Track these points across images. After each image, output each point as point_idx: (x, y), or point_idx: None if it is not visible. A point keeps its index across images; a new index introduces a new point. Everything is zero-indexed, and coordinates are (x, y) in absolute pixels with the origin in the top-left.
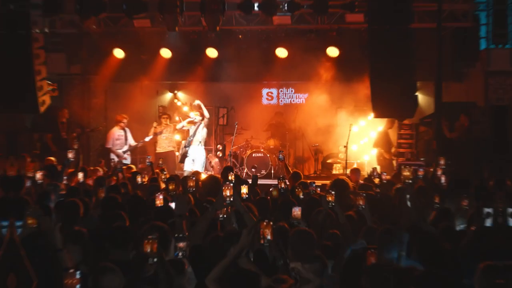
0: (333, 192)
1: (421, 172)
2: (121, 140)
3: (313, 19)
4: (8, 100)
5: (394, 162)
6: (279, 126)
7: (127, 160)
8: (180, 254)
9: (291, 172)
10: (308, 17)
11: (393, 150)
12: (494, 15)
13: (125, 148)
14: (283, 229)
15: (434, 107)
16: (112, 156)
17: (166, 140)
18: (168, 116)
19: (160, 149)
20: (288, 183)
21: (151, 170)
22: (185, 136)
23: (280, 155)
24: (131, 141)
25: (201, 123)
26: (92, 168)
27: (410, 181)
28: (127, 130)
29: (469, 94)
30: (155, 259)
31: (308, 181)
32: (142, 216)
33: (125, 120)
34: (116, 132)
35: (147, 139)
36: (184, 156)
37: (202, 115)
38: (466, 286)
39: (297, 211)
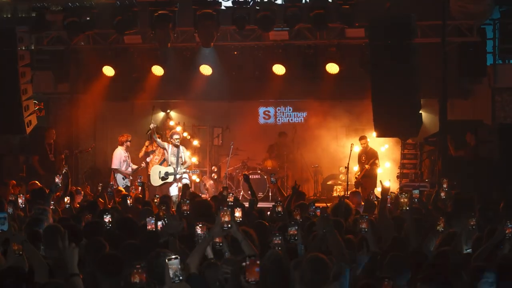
0: (326, 214)
1: (416, 195)
2: (127, 161)
3: (311, 34)
4: None
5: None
6: (279, 146)
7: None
8: (176, 279)
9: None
10: (307, 32)
11: (362, 172)
12: (501, 29)
13: (130, 169)
14: (277, 257)
15: (439, 125)
16: (118, 177)
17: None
18: (159, 136)
19: None
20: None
21: (142, 191)
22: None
23: (272, 178)
24: (131, 164)
25: (179, 146)
26: (74, 188)
27: (408, 209)
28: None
29: (475, 111)
30: None
31: (308, 203)
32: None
33: (129, 140)
34: (122, 152)
35: (148, 159)
36: (167, 182)
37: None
38: None
39: (293, 230)
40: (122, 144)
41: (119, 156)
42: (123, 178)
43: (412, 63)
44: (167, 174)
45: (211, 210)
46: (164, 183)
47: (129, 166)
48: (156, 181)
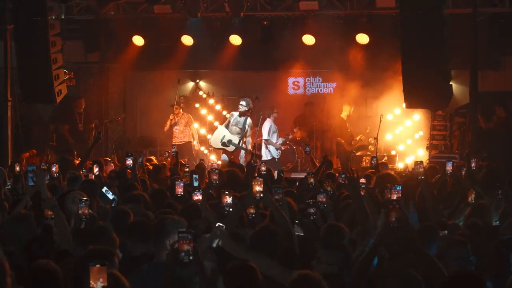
0: (363, 186)
1: (449, 168)
2: (276, 133)
3: (341, 4)
4: (23, 90)
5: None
6: (307, 117)
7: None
8: (186, 258)
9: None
10: (337, 2)
11: (353, 142)
12: None
13: (280, 141)
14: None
15: (470, 96)
16: (271, 148)
17: (181, 134)
18: (178, 107)
19: (176, 139)
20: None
21: (176, 161)
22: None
23: (307, 148)
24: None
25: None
26: (104, 159)
27: (423, 178)
28: None
29: (506, 83)
30: (190, 258)
31: (337, 174)
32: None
33: (275, 111)
34: (272, 124)
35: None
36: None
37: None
38: None
39: (322, 197)
40: (269, 116)
41: (268, 128)
42: (276, 149)
43: (443, 34)
44: (229, 142)
45: (240, 180)
46: (223, 149)
47: (278, 138)
48: (215, 142)
